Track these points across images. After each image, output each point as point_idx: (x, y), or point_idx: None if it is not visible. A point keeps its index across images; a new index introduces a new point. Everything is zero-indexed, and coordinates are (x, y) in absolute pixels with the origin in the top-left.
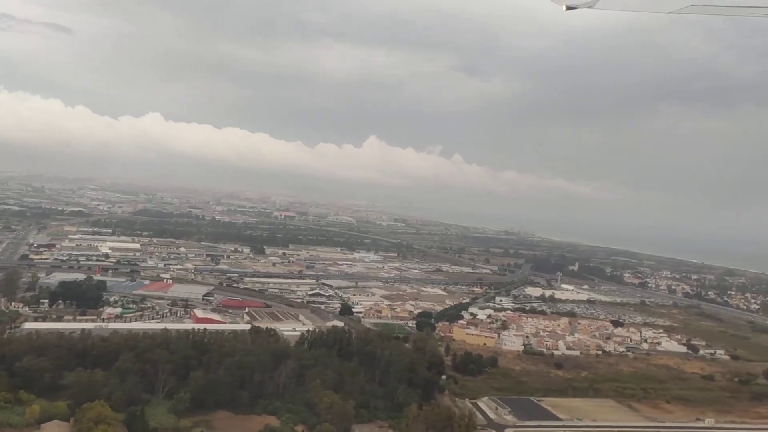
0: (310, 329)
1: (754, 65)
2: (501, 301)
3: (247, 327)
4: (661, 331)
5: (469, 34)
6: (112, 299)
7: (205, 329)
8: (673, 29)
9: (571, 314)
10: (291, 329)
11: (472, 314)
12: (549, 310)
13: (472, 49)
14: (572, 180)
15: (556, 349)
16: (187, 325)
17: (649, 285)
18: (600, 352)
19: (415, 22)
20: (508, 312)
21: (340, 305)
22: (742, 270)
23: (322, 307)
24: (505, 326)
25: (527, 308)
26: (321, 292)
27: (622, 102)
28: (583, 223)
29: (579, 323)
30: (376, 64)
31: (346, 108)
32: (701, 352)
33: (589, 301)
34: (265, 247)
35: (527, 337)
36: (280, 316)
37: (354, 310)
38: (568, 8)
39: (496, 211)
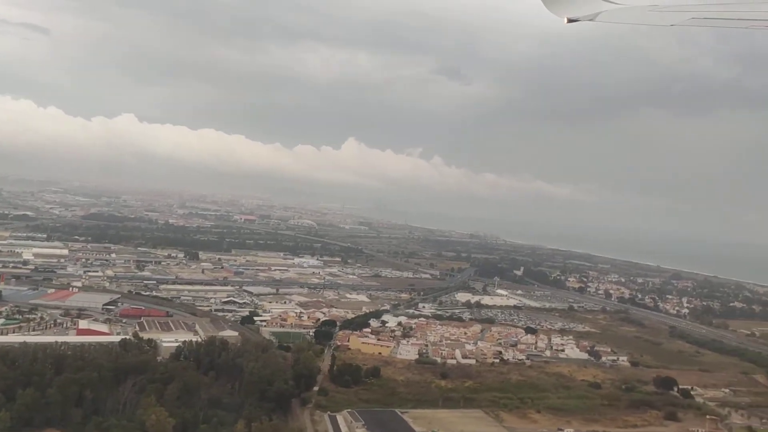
0: (189, 340)
1: (728, 70)
2: (424, 307)
3: (127, 338)
4: (570, 337)
5: (450, 38)
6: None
7: (65, 342)
8: (651, 33)
9: (490, 321)
10: (173, 340)
11: (382, 322)
12: (470, 316)
13: (453, 53)
14: (552, 182)
15: (452, 358)
16: (51, 338)
17: (589, 289)
18: (497, 361)
19: (397, 25)
20: (421, 319)
21: (249, 313)
22: (693, 273)
23: (229, 315)
24: (407, 334)
25: (446, 315)
26: (236, 299)
27: (603, 105)
28: (560, 225)
29: (490, 330)
30: (358, 66)
31: (325, 110)
32: (603, 358)
33: (515, 307)
34: (202, 252)
35: (426, 345)
36: (172, 326)
37: (260, 318)
38: (570, 21)
39: (475, 213)
